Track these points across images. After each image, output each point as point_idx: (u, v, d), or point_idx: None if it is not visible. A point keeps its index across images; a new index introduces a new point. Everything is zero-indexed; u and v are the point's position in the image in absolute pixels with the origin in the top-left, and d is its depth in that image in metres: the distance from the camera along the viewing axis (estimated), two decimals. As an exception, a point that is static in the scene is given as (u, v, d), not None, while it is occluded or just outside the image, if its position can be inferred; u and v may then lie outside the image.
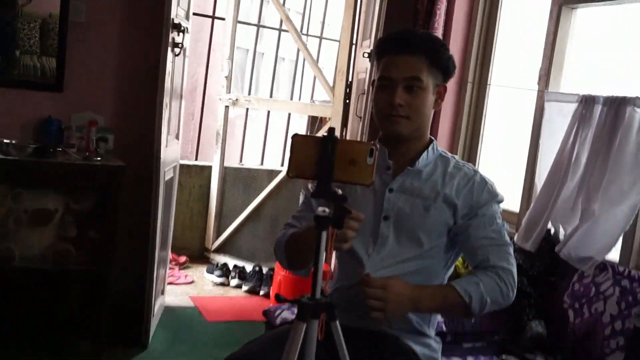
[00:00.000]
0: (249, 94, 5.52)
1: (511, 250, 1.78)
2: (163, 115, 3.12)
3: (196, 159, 5.44)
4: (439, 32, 3.53)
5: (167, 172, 3.44)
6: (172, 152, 3.48)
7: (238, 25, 4.98)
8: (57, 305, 3.25)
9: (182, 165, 4.80)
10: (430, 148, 1.84)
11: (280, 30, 5.21)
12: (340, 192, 1.45)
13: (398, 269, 1.75)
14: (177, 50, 3.20)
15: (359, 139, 3.70)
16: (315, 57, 4.89)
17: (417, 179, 1.81)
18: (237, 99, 4.82)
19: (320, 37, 6.07)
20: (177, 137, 3.66)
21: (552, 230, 2.94)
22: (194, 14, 5.18)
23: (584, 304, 2.64)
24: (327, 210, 1.46)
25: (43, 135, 3.24)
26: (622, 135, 2.66)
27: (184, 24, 3.27)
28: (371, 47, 3.78)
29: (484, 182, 1.81)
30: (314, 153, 1.44)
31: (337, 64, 4.27)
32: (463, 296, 1.64)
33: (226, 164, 5.07)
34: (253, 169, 5.25)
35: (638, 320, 2.40)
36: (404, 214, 1.79)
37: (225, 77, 4.83)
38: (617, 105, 2.69)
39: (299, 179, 1.49)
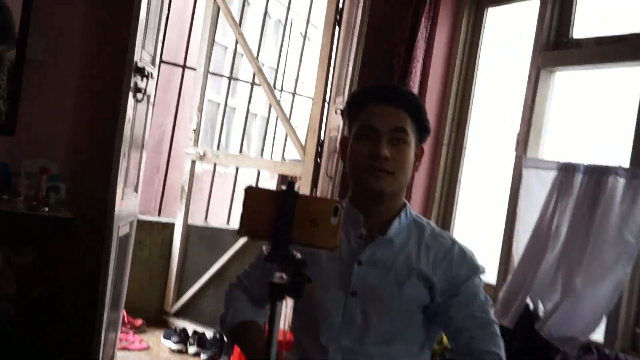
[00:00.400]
0: (218, 149, 5.33)
1: (497, 328, 1.58)
2: (120, 165, 2.92)
3: (159, 215, 5.18)
4: (414, 91, 3.43)
5: (122, 228, 3.21)
6: (129, 206, 3.26)
7: (210, 77, 4.85)
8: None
9: (142, 222, 4.60)
10: (403, 213, 1.65)
11: (252, 84, 5.08)
12: (299, 255, 1.26)
13: (366, 352, 1.55)
14: (139, 95, 3.02)
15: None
16: (287, 114, 4.74)
17: (389, 249, 1.62)
18: (204, 154, 4.64)
19: (294, 93, 5.96)
20: (135, 190, 3.44)
21: (532, 306, 2.76)
22: (164, 62, 5.12)
23: (567, 389, 2.45)
24: (284, 276, 1.26)
25: (-10, 180, 3.01)
26: (604, 206, 2.54)
27: (148, 68, 3.11)
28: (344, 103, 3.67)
29: (463, 254, 1.63)
30: (270, 209, 1.25)
31: (309, 122, 4.13)
32: None
33: (191, 221, 4.84)
34: (218, 229, 5.01)
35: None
36: (374, 291, 1.59)
37: (194, 130, 4.66)
38: (598, 175, 2.58)
39: (251, 239, 1.30)
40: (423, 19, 3.35)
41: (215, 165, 5.06)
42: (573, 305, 2.51)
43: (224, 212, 5.41)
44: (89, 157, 3.21)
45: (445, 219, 3.55)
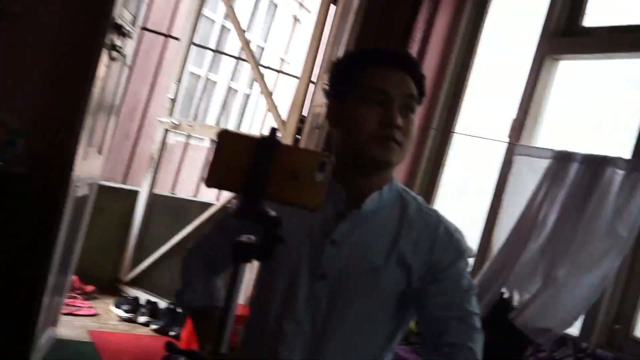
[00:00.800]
0: (195, 120, 5.13)
1: (477, 321, 1.39)
2: (84, 123, 2.71)
3: (124, 183, 4.96)
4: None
5: (81, 189, 3.01)
6: (90, 168, 3.05)
7: (194, 49, 4.64)
8: None
9: (106, 187, 4.37)
10: (386, 186, 1.43)
11: (238, 58, 4.88)
12: (273, 213, 1.08)
13: (329, 340, 1.38)
14: (114, 53, 2.80)
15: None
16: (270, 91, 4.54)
17: (367, 228, 1.42)
18: (179, 124, 4.43)
19: (279, 71, 5.77)
20: (99, 152, 3.23)
21: (507, 296, 2.64)
22: (147, 29, 4.89)
23: (540, 384, 2.34)
24: (252, 237, 1.09)
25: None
26: (598, 197, 2.43)
27: (128, 27, 2.89)
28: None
29: (448, 235, 1.42)
30: (245, 158, 1.07)
31: (293, 98, 3.95)
32: None
33: (157, 191, 4.63)
34: (185, 199, 4.83)
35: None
36: (346, 274, 1.39)
37: (171, 98, 4.45)
38: (596, 165, 2.47)
39: (221, 189, 1.11)
40: None
41: (188, 136, 4.86)
42: (553, 296, 2.42)
43: (193, 184, 5.21)
44: (56, 113, 2.98)
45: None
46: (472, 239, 3.01)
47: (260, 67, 4.46)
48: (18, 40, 2.93)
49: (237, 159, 1.07)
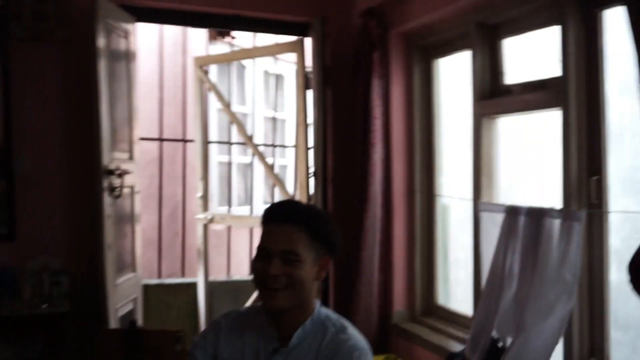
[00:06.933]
0: (230, 205, 5.61)
1: None
2: (106, 258, 3.20)
3: (183, 276, 5.48)
4: (378, 146, 3.57)
5: (125, 307, 3.50)
6: (126, 288, 3.54)
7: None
8: None
9: (166, 285, 4.97)
10: (309, 320, 1.78)
11: (243, 144, 5.38)
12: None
13: None
14: (116, 192, 3.31)
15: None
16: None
17: (296, 358, 1.75)
18: (212, 218, 4.91)
19: (273, 145, 6.20)
20: (133, 270, 3.73)
21: (501, 343, 2.84)
22: (166, 139, 5.51)
23: None
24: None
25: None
26: (544, 246, 2.60)
27: (124, 166, 3.40)
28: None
29: (351, 351, 1.72)
30: (121, 347, 1.46)
31: (297, 181, 4.33)
32: None
33: (213, 277, 5.09)
34: (239, 280, 5.26)
35: None
36: None
37: (200, 196, 4.94)
38: (536, 217, 2.64)
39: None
40: (374, 78, 3.51)
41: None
42: (524, 341, 2.57)
43: (245, 264, 5.66)
44: (84, 249, 3.52)
45: (430, 259, 3.66)
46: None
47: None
48: (35, 196, 3.51)
49: (117, 349, 1.47)
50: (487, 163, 3.11)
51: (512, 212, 2.76)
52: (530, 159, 3.11)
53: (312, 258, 1.74)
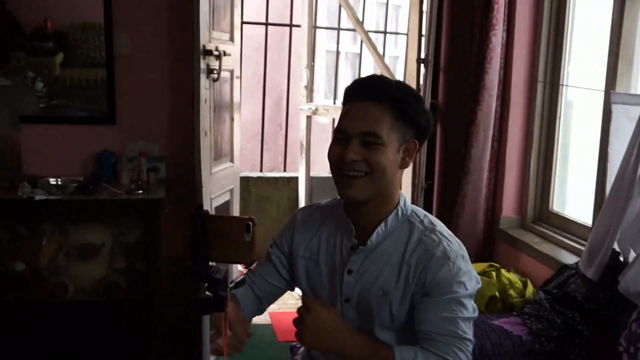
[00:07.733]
0: (335, 97, 5.36)
1: (466, 346, 1.46)
2: (202, 143, 3.09)
3: (284, 170, 5.39)
4: (498, 28, 3.18)
5: (220, 197, 3.43)
6: (221, 178, 3.46)
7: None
8: (110, 334, 3.36)
9: (266, 178, 4.92)
10: (392, 215, 1.55)
11: (354, 30, 5.00)
12: (220, 274, 1.31)
13: None
14: (214, 75, 3.15)
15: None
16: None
17: (375, 257, 1.55)
18: (316, 109, 4.72)
19: (385, 32, 5.73)
20: (231, 160, 3.63)
21: (622, 257, 2.53)
22: (271, 24, 5.23)
23: (641, 349, 2.25)
24: (209, 294, 1.33)
25: (100, 167, 3.35)
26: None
27: (222, 47, 3.22)
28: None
29: (445, 257, 1.48)
30: (185, 230, 1.31)
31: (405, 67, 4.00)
32: None
33: (315, 173, 4.98)
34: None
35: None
36: (365, 299, 1.56)
37: (305, 86, 4.74)
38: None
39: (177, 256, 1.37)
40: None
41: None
42: None
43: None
44: (183, 135, 3.44)
45: (547, 158, 3.31)
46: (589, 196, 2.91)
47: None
48: (135, 79, 3.43)
49: (181, 231, 1.32)
50: (627, 45, 2.69)
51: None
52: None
53: (397, 142, 1.49)
